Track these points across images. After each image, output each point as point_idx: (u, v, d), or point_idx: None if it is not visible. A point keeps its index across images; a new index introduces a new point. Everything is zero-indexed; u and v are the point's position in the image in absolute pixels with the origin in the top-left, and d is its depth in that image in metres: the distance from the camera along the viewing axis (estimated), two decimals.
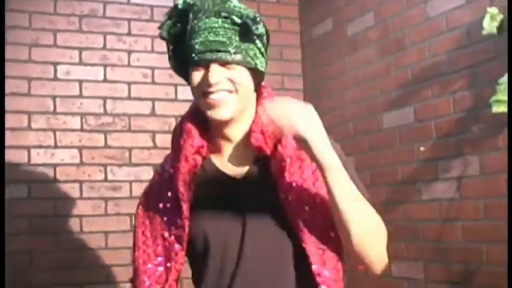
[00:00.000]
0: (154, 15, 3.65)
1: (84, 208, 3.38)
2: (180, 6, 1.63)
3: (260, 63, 1.65)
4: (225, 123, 1.64)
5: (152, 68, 3.62)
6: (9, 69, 3.33)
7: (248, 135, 1.65)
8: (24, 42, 3.39)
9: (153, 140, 3.58)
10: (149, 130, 3.57)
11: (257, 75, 1.65)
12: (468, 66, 2.72)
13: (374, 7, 3.34)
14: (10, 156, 3.29)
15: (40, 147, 3.36)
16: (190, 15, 1.61)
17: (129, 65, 3.58)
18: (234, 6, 1.60)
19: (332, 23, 3.72)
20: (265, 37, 1.68)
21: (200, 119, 1.68)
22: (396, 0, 3.16)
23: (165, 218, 1.69)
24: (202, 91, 1.60)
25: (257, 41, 1.64)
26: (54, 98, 3.41)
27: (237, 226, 1.62)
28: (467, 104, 2.73)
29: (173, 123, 3.58)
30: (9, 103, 3.31)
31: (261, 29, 1.63)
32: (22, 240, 3.25)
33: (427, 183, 2.94)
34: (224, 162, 1.70)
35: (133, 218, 3.37)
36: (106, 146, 3.48)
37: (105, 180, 3.45)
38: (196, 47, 1.57)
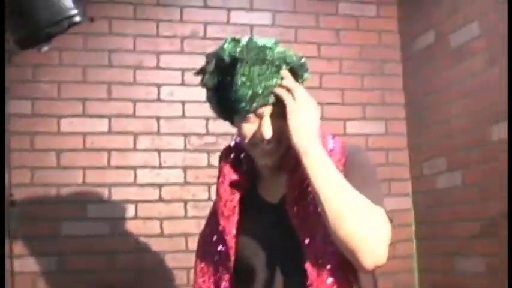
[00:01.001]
0: (253, 35, 3.67)
1: (189, 227, 3.41)
2: (226, 60, 1.67)
3: None
4: None
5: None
6: (115, 92, 3.43)
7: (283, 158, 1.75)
8: (129, 65, 3.47)
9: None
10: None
11: None
12: None
13: (479, 17, 3.25)
14: (117, 176, 3.36)
15: (145, 167, 3.42)
16: (238, 66, 1.65)
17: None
18: (279, 52, 1.66)
19: (434, 35, 3.64)
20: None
21: (240, 151, 1.82)
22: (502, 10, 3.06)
23: (214, 248, 1.83)
24: (252, 141, 1.70)
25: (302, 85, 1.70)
26: (158, 118, 3.47)
27: (270, 248, 1.75)
28: None
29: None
30: (116, 124, 3.40)
31: (306, 75, 1.72)
32: (130, 258, 3.31)
33: None
34: (267, 189, 1.82)
35: None
36: (209, 165, 3.50)
37: (209, 199, 3.46)
38: (244, 97, 1.63)
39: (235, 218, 1.77)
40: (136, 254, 3.34)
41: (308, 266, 1.62)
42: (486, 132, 3.18)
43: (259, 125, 1.67)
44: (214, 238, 1.83)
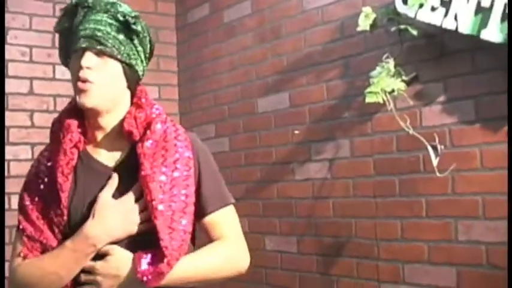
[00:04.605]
0: None
1: None
2: (73, 2, 1.76)
3: (135, 63, 1.77)
4: (96, 114, 1.77)
5: (30, 47, 3.61)
6: None
7: (122, 124, 1.78)
8: None
9: (31, 119, 3.58)
10: (27, 109, 3.57)
11: (132, 74, 1.77)
12: (341, 58, 2.97)
13: None
14: None
15: None
16: (81, 11, 1.74)
17: (6, 42, 3.55)
18: (121, 6, 1.76)
19: (209, 9, 3.87)
20: (148, 45, 1.81)
21: (78, 113, 1.81)
22: None
23: (45, 208, 1.78)
24: (76, 76, 1.71)
25: (135, 41, 1.76)
26: None
27: None
28: (339, 92, 2.99)
29: (51, 102, 3.62)
30: None
31: (139, 28, 1.77)
32: None
33: (300, 164, 3.19)
34: (100, 152, 1.83)
35: (11, 197, 3.41)
36: None
37: None
38: (79, 36, 1.70)
39: (71, 177, 1.78)
40: None
41: (159, 224, 1.69)
42: (252, 104, 3.49)
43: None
44: (40, 197, 1.81)
